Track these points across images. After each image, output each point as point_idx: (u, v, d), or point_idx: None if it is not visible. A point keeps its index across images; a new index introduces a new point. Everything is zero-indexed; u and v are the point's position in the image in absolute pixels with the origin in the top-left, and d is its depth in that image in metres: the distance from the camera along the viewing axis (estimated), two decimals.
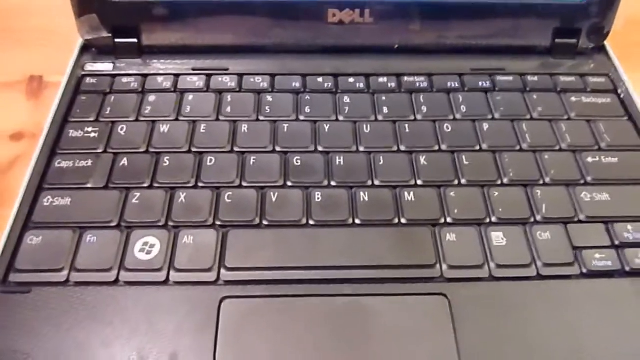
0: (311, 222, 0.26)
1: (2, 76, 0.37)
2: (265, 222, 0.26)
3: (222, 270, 0.24)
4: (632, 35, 0.39)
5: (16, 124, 0.34)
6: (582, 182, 0.28)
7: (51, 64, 0.37)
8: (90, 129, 0.29)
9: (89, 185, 0.27)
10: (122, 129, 0.29)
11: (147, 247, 0.25)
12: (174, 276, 0.24)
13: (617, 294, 0.24)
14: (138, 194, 0.27)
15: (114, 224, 0.26)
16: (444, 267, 0.25)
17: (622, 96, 0.32)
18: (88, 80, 0.32)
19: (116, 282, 0.24)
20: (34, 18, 0.41)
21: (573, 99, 0.32)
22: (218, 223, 0.26)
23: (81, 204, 0.26)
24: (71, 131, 0.29)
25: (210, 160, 0.28)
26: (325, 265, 0.25)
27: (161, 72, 0.32)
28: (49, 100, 0.34)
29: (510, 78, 0.33)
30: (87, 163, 0.28)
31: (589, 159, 0.29)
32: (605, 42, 0.35)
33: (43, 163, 0.28)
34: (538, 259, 0.25)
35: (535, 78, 0.33)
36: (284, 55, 0.33)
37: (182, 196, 0.27)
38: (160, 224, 0.26)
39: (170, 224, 0.26)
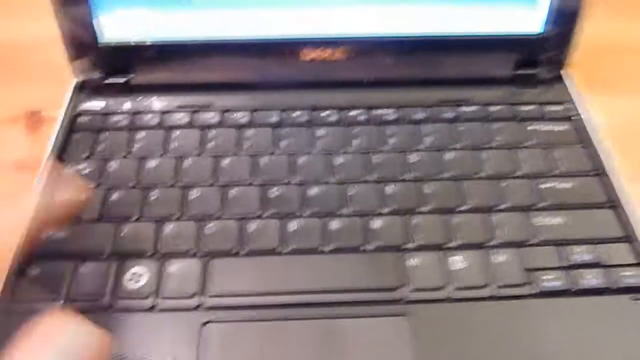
0: (286, 250, 0.28)
1: (3, 111, 0.40)
2: (244, 251, 0.28)
3: (204, 297, 0.27)
4: (593, 60, 0.42)
5: (17, 157, 0.37)
6: (537, 207, 0.31)
7: (49, 98, 0.39)
8: (83, 166, 0.32)
9: (82, 219, 0.30)
10: (113, 165, 0.32)
11: (136, 276, 0.28)
12: (160, 303, 0.27)
13: (565, 311, 0.27)
14: (128, 227, 0.29)
15: (105, 255, 0.28)
16: (407, 290, 0.27)
17: (578, 123, 0.35)
18: (82, 118, 0.34)
19: (107, 309, 0.27)
20: (34, 54, 0.43)
21: (532, 127, 0.34)
22: (201, 252, 0.28)
23: (76, 237, 0.29)
24: (66, 168, 0.32)
25: (194, 193, 0.31)
26: (298, 290, 0.27)
27: (149, 109, 0.35)
28: (47, 134, 0.37)
29: (474, 108, 0.35)
30: None
31: (544, 185, 0.31)
32: (565, 71, 0.37)
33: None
34: (493, 281, 0.27)
35: (498, 108, 0.35)
36: (263, 91, 0.36)
37: (167, 228, 0.29)
38: (148, 254, 0.28)
39: (157, 254, 0.28)
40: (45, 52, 0.44)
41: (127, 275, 0.27)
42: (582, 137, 0.34)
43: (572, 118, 0.35)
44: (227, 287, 0.27)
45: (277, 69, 0.35)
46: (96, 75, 0.35)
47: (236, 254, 0.28)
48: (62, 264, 0.28)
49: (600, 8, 0.41)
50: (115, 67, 0.35)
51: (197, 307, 0.26)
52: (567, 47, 0.36)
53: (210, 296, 0.27)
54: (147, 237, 0.29)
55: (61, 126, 0.34)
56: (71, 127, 0.34)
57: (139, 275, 0.28)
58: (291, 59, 0.35)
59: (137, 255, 0.28)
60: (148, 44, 0.34)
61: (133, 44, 0.34)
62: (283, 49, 0.35)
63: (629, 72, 0.42)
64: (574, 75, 0.38)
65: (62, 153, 0.33)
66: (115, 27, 0.34)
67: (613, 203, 0.31)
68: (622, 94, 0.40)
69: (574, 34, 0.35)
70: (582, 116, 0.35)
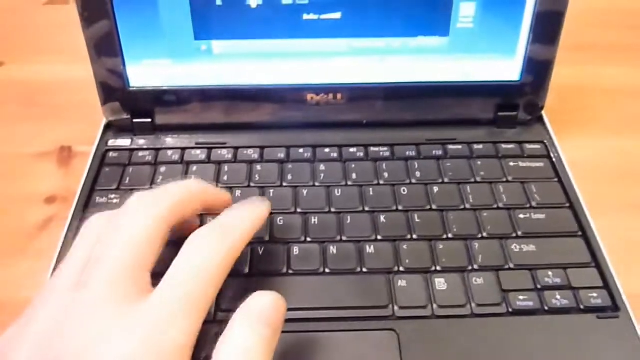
0: (290, 272, 0.32)
1: (37, 146, 0.43)
2: (252, 272, 0.32)
3: (217, 313, 0.30)
4: (566, 103, 0.46)
5: (49, 189, 0.40)
6: (514, 235, 0.34)
7: (79, 135, 0.43)
8: (113, 196, 0.36)
9: None
10: None
11: None
12: None
13: (536, 328, 0.30)
14: None
15: None
16: (396, 307, 0.31)
17: (554, 160, 0.39)
18: (111, 154, 0.39)
19: None
20: (66, 94, 0.47)
21: (511, 163, 0.38)
22: None
23: None
24: (97, 197, 0.36)
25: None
26: (299, 307, 0.30)
27: (171, 146, 0.39)
28: (77, 168, 0.41)
29: (459, 147, 0.39)
30: None
31: (521, 216, 0.35)
32: (541, 113, 0.41)
33: (75, 224, 0.35)
34: (472, 300, 0.31)
35: (481, 146, 0.39)
36: (272, 131, 0.40)
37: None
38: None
39: None
40: (76, 92, 0.48)
41: None
42: (556, 173, 0.38)
43: (548, 155, 0.39)
44: (237, 303, 0.31)
45: (285, 112, 0.40)
46: (124, 116, 0.40)
47: (246, 275, 0.32)
48: None
49: (573, 54, 0.45)
50: (141, 109, 0.39)
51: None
52: (543, 92, 0.40)
53: (223, 310, 0.30)
54: (167, 261, 0.32)
55: (93, 160, 0.39)
56: (101, 161, 0.39)
57: None
58: (297, 103, 0.39)
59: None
60: (170, 89, 0.39)
61: (157, 89, 0.39)
62: (289, 94, 0.39)
63: (598, 113, 0.46)
64: (550, 116, 0.42)
65: (94, 184, 0.37)
66: (142, 75, 0.38)
67: (582, 232, 0.34)
68: (592, 133, 0.44)
69: (548, 80, 0.40)
70: (557, 154, 0.39)
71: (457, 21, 0.37)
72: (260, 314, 0.23)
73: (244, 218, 0.27)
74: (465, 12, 0.37)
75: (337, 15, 0.36)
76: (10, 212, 0.38)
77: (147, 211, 0.25)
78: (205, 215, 0.32)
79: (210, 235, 0.25)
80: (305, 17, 0.36)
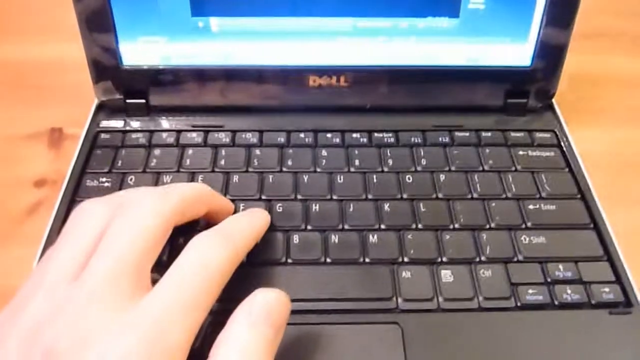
0: (289, 261, 0.31)
1: (26, 128, 0.42)
2: (251, 261, 0.31)
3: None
4: (578, 92, 0.44)
5: (39, 172, 0.39)
6: (523, 226, 0.33)
7: (70, 117, 0.42)
8: (104, 179, 0.34)
9: None
10: (131, 180, 0.34)
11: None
12: None
13: (546, 324, 0.29)
14: None
15: None
16: (400, 300, 0.29)
17: (564, 150, 0.37)
18: (103, 136, 0.37)
19: None
20: (56, 74, 0.46)
21: (521, 152, 0.37)
22: None
23: None
24: (88, 181, 0.34)
25: None
26: (299, 298, 0.29)
27: (165, 128, 0.38)
28: (68, 150, 0.39)
29: (467, 134, 0.38)
30: None
31: (530, 206, 0.34)
32: (553, 100, 0.40)
33: (64, 209, 0.33)
34: (480, 294, 0.30)
35: (489, 134, 0.38)
36: (271, 114, 0.38)
37: (180, 240, 0.31)
38: (162, 261, 0.31)
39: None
40: (68, 72, 0.47)
41: None
42: (567, 163, 0.36)
43: (558, 145, 0.38)
44: (235, 293, 0.29)
45: (285, 94, 0.38)
46: (117, 96, 0.38)
47: (244, 264, 0.30)
48: None
49: (584, 42, 0.44)
50: (135, 89, 0.38)
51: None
52: (554, 79, 0.38)
53: (220, 300, 0.29)
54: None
55: (83, 142, 0.37)
56: (93, 143, 0.37)
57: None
58: (298, 85, 0.38)
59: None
60: (166, 68, 0.37)
61: (152, 68, 0.37)
62: (291, 76, 0.37)
63: (609, 102, 0.45)
64: (561, 105, 0.40)
65: (84, 167, 0.35)
66: (136, 52, 0.37)
67: (594, 224, 0.33)
68: (603, 123, 0.42)
69: (560, 67, 0.38)
70: (567, 143, 0.38)
71: (468, 1, 0.35)
72: (262, 312, 0.23)
73: (246, 227, 0.27)
74: None
75: None
76: None
77: (156, 208, 0.24)
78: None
79: (213, 239, 0.24)
80: None
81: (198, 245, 0.24)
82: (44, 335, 0.20)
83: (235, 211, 0.32)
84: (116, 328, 0.21)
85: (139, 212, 0.24)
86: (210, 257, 0.23)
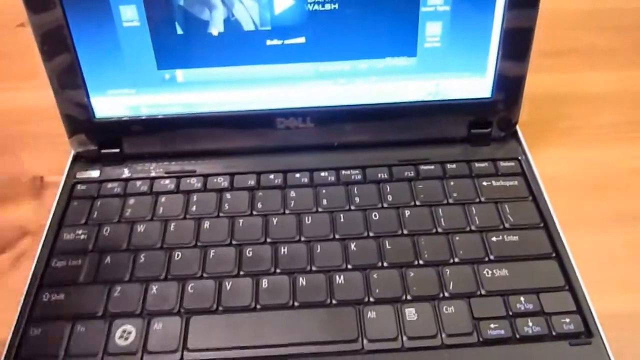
0: (258, 306, 0.32)
1: (8, 177, 0.42)
2: (221, 308, 0.32)
3: (185, 352, 0.30)
4: (544, 112, 0.45)
5: (21, 222, 0.40)
6: (486, 259, 0.34)
7: (50, 164, 0.42)
8: (80, 232, 0.36)
9: (78, 281, 0.33)
10: (106, 231, 0.36)
11: (125, 334, 0.31)
12: (147, 358, 0.30)
13: (507, 358, 0.30)
14: (119, 288, 0.33)
15: (99, 314, 0.32)
16: (365, 341, 0.30)
17: (528, 178, 0.38)
18: (79, 187, 0.38)
19: None
20: (36, 121, 0.46)
21: (485, 183, 0.38)
22: (182, 310, 0.32)
23: (73, 298, 0.32)
24: (65, 234, 0.36)
25: (178, 255, 0.34)
26: (268, 343, 0.30)
27: (140, 176, 0.39)
28: (49, 200, 0.40)
29: (432, 167, 0.39)
30: (77, 262, 0.34)
31: (493, 239, 0.35)
32: (516, 128, 0.41)
33: (42, 263, 0.34)
34: (443, 331, 0.30)
35: (454, 165, 0.39)
36: (242, 156, 0.39)
37: (154, 288, 0.33)
38: (136, 313, 0.32)
39: (144, 312, 0.32)
40: (47, 119, 0.47)
41: (118, 333, 0.31)
42: (530, 191, 0.37)
43: (522, 173, 0.38)
44: (205, 342, 0.30)
45: (254, 137, 0.39)
46: (92, 147, 0.39)
47: (214, 312, 0.32)
48: (60, 324, 0.31)
49: (555, 59, 0.44)
50: (108, 139, 0.39)
51: None
52: (516, 107, 0.39)
53: (190, 350, 0.30)
54: (135, 297, 0.32)
55: (61, 194, 0.38)
56: (70, 194, 0.38)
57: (128, 332, 0.31)
58: (266, 128, 0.39)
59: (127, 314, 0.32)
60: (136, 119, 0.38)
61: (123, 119, 0.38)
62: (258, 120, 0.39)
63: (578, 122, 0.45)
64: (528, 128, 0.41)
65: (62, 220, 0.37)
66: (107, 105, 0.38)
67: (556, 253, 0.34)
68: (569, 144, 0.43)
69: (520, 96, 0.39)
70: (531, 171, 0.38)
71: (424, 41, 0.36)
72: None
73: None
74: (432, 31, 0.36)
75: (301, 40, 0.36)
76: None
77: None
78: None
79: None
80: (269, 42, 0.36)
81: None
82: None
83: (205, 258, 0.34)
84: None
85: None
86: None
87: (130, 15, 0.35)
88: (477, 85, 0.38)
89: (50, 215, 0.37)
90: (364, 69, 0.37)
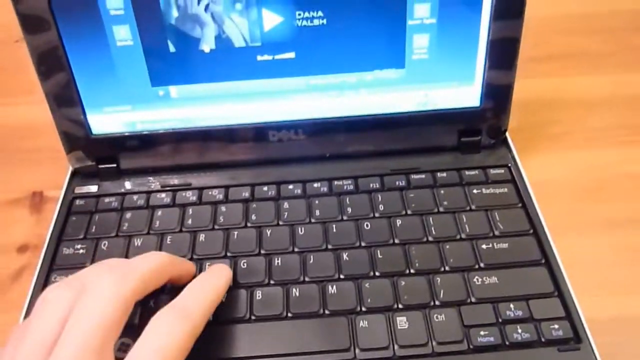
0: (253, 317, 0.32)
1: (9, 193, 0.43)
2: (217, 320, 0.32)
3: None
4: (534, 117, 0.46)
5: (21, 237, 0.41)
6: (476, 267, 0.34)
7: (49, 179, 0.43)
8: (79, 246, 0.36)
9: None
10: (104, 245, 0.36)
11: (124, 346, 0.32)
12: None
13: None
14: None
15: None
16: (357, 350, 0.31)
17: (517, 184, 0.39)
18: (78, 202, 0.39)
19: None
20: (35, 136, 0.47)
21: (475, 191, 0.38)
22: None
23: None
24: (64, 249, 0.36)
25: None
26: (262, 354, 0.31)
27: (136, 190, 0.40)
28: (49, 214, 0.41)
29: (423, 176, 0.39)
30: None
31: (483, 246, 0.35)
32: (505, 135, 0.41)
33: (43, 277, 0.35)
34: (433, 339, 0.31)
35: (444, 174, 0.39)
36: (236, 169, 0.40)
37: (150, 302, 0.33)
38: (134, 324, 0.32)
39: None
40: (46, 134, 0.47)
41: (116, 346, 0.32)
42: (520, 198, 0.38)
43: (512, 180, 0.39)
44: (199, 354, 0.31)
45: (248, 150, 0.40)
46: (89, 163, 0.40)
47: (209, 323, 0.32)
48: None
49: (545, 65, 0.44)
50: (105, 155, 0.40)
51: None
52: (505, 115, 0.40)
53: None
54: (133, 310, 0.33)
55: (60, 209, 0.39)
56: (69, 209, 0.39)
57: (126, 345, 0.32)
58: (259, 141, 0.40)
59: (125, 327, 0.32)
60: (132, 135, 0.39)
61: (119, 135, 0.39)
62: (251, 133, 0.39)
63: (568, 126, 0.46)
64: (518, 134, 0.42)
65: (61, 235, 0.37)
66: (103, 122, 0.39)
67: (545, 260, 0.34)
68: (559, 149, 0.44)
69: (509, 103, 0.39)
70: (521, 178, 0.39)
71: (412, 53, 0.37)
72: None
73: (203, 297, 0.29)
74: (419, 44, 0.37)
75: (291, 55, 0.36)
76: None
77: (116, 291, 0.26)
78: None
79: (170, 318, 0.26)
80: (260, 58, 0.37)
81: (156, 328, 0.26)
82: None
83: (200, 270, 0.34)
84: None
85: (99, 297, 0.26)
86: (168, 339, 0.25)
87: (123, 35, 0.35)
88: (466, 94, 0.39)
89: (50, 230, 0.38)
90: (354, 82, 0.38)
